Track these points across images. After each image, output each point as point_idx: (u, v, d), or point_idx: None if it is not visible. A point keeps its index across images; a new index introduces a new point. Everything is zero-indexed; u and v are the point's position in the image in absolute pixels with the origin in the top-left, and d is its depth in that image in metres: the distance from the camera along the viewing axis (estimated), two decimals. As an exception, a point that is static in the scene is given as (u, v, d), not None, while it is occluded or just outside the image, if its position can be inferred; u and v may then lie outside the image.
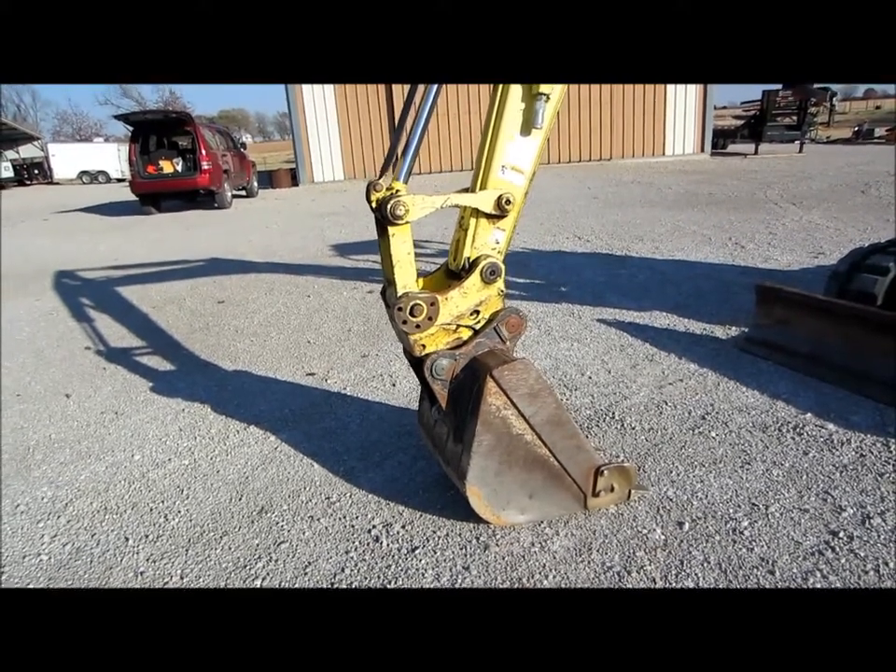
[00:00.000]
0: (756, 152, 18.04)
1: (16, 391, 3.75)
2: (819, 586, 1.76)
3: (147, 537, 2.23)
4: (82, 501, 2.49)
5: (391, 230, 1.87)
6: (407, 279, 1.94)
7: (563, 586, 1.84)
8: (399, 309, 1.92)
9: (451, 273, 2.13)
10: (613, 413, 2.87)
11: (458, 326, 2.03)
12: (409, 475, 2.49)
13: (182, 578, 1.98)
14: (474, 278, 2.00)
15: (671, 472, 2.37)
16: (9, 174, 33.28)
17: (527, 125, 1.96)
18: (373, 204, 1.85)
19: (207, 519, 2.31)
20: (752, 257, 5.83)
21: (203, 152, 13.24)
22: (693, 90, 18.39)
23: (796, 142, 18.12)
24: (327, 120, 18.49)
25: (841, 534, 1.96)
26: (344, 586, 1.91)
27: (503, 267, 2.04)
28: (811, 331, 3.20)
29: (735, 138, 19.61)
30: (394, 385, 3.41)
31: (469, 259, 2.04)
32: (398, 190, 1.84)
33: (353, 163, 18.84)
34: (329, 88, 18.18)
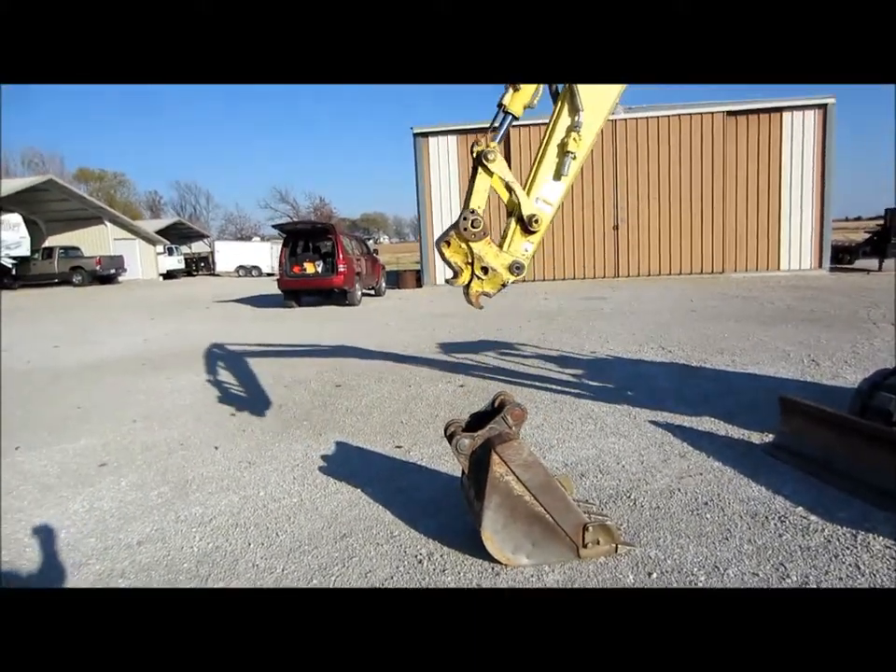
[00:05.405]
0: (880, 269, 17.54)
1: (180, 442, 4.93)
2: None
3: (262, 544, 3.13)
4: (221, 518, 3.46)
5: (480, 169, 2.66)
6: (477, 203, 2.70)
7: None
8: (465, 218, 2.66)
9: None
10: (630, 494, 3.47)
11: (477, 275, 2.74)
12: (455, 525, 3.23)
13: (283, 570, 2.84)
14: (505, 258, 2.74)
15: (660, 539, 2.94)
16: (181, 265, 38.84)
17: (558, 173, 2.74)
18: (474, 154, 2.66)
19: (305, 538, 3.18)
20: (823, 374, 6.13)
21: (341, 256, 15.26)
22: (809, 202, 18.37)
23: (928, 260, 17.47)
24: (451, 229, 20.34)
25: (775, 593, 2.46)
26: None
27: (525, 268, 2.77)
28: (823, 440, 3.64)
29: (857, 254, 19.21)
30: (461, 459, 4.19)
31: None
32: (493, 148, 2.66)
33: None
34: (455, 202, 20.19)
